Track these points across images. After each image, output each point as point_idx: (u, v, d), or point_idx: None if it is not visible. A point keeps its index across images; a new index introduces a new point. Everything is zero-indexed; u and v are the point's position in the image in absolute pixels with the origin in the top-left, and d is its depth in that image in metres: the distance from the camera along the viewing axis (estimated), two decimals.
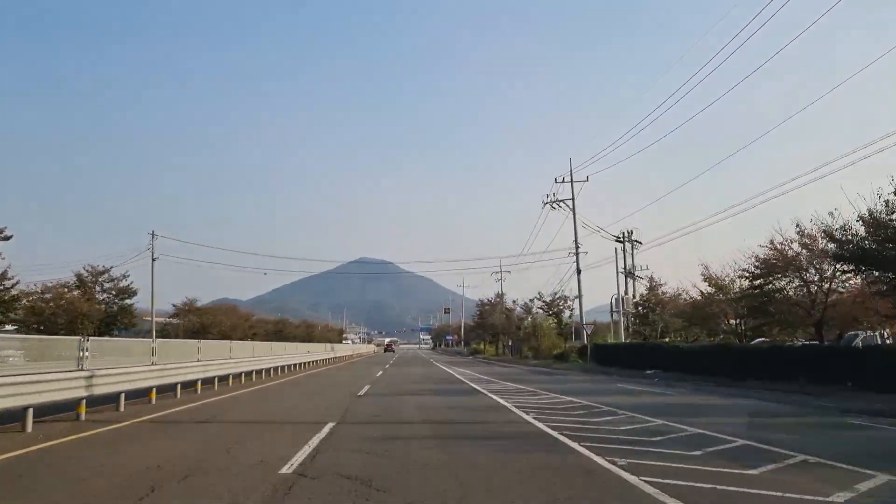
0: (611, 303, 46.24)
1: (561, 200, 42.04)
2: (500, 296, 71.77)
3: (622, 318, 44.00)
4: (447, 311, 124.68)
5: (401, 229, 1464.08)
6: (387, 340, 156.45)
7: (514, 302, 66.90)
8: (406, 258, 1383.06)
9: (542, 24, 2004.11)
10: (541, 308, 57.94)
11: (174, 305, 51.96)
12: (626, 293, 44.20)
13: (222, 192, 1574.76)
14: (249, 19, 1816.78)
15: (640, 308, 42.48)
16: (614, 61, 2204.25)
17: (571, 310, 54.43)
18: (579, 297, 42.83)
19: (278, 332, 60.64)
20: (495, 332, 69.00)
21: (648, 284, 43.56)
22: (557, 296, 55.74)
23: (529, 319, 58.61)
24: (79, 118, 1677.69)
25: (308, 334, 65.22)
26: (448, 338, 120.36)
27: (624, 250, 44.11)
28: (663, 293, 42.18)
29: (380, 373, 33.82)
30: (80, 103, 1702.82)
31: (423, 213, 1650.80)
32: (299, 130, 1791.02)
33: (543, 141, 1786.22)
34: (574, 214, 41.11)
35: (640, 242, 44.06)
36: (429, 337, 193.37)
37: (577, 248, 41.13)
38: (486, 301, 76.12)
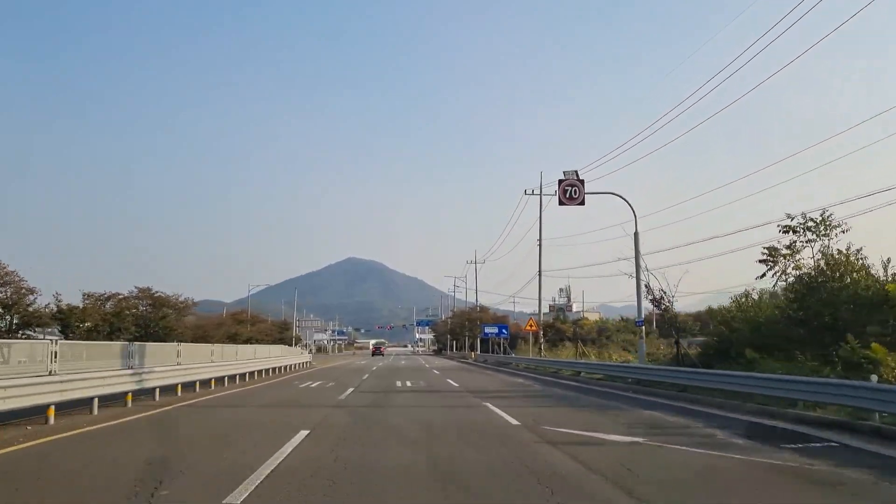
0: None
1: None
2: None
3: None
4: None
5: (390, 229, 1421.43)
6: (372, 343, 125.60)
7: None
8: (395, 258, 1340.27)
9: (533, 29, 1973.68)
10: None
11: None
12: None
13: (206, 190, 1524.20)
14: (244, 16, 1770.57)
15: None
16: (601, 64, 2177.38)
17: None
18: None
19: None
20: None
21: None
22: None
23: None
24: (64, 108, 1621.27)
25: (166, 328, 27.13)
26: (495, 331, 55.88)
27: None
28: None
29: None
30: (69, 95, 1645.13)
31: (413, 212, 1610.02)
32: (287, 127, 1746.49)
33: (538, 141, 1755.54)
34: None
35: None
36: (429, 335, 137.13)
37: None
38: None
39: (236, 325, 48.43)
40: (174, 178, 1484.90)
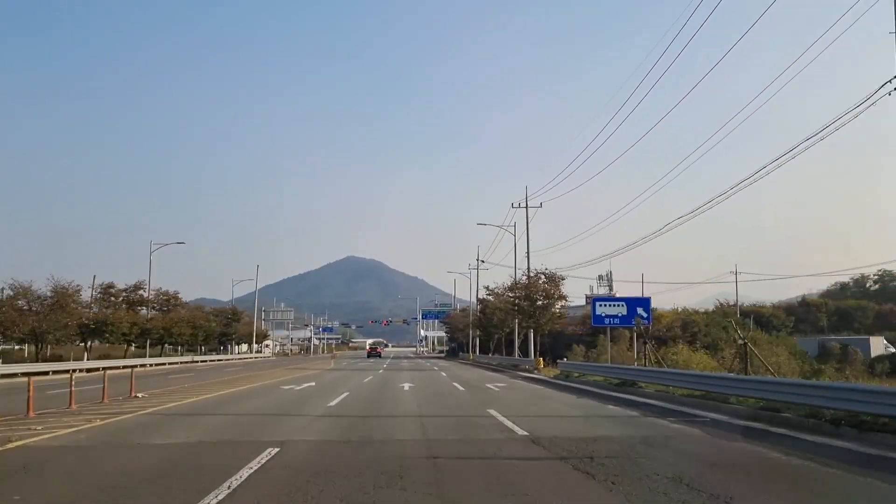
0: None
1: None
2: None
3: None
4: None
5: (390, 228, 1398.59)
6: (369, 342, 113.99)
7: None
8: (395, 257, 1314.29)
9: (541, 28, 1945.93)
10: None
11: None
12: None
13: (205, 187, 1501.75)
14: (243, 16, 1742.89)
15: None
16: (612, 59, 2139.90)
17: None
18: None
19: None
20: None
21: None
22: None
23: None
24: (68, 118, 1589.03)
25: None
26: (621, 313, 26.78)
27: None
28: None
29: None
30: (73, 103, 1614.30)
31: (413, 211, 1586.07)
32: (288, 127, 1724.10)
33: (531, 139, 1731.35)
34: None
35: None
36: (436, 333, 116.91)
37: None
38: None
39: (120, 311, 30.21)
40: (173, 177, 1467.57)
